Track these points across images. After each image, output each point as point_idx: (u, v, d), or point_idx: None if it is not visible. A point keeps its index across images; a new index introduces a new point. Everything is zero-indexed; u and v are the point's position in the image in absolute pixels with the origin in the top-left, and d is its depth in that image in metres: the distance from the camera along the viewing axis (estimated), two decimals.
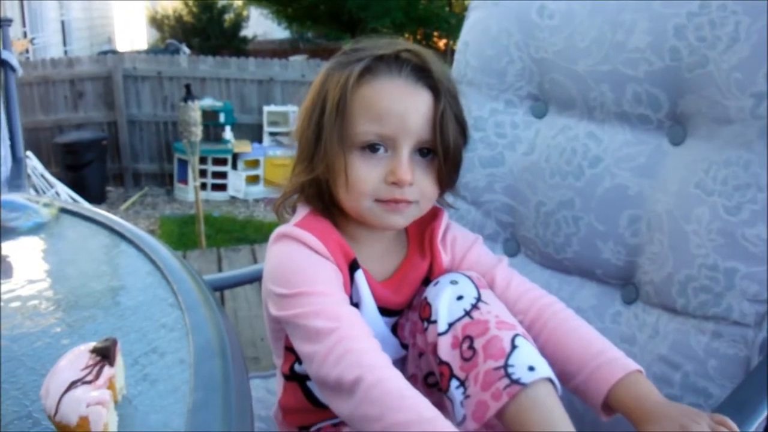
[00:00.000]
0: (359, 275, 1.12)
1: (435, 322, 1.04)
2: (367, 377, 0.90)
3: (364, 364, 0.92)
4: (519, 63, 1.49)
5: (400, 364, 1.20)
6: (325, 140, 1.06)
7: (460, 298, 1.05)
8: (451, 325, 1.03)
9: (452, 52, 1.64)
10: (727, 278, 1.14)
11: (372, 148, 1.06)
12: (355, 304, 1.11)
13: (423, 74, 1.06)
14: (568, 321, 1.10)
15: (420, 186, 1.08)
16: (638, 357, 1.23)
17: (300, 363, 1.13)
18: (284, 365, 1.19)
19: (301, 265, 1.06)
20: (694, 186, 1.20)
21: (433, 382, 1.14)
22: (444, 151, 1.07)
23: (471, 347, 0.99)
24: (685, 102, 1.25)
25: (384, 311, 1.16)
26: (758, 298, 1.12)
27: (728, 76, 1.17)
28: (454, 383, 1.00)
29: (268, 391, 1.44)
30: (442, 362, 1.02)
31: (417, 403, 0.89)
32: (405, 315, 1.18)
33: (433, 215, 1.19)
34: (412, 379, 1.16)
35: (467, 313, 1.03)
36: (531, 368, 0.94)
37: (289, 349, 1.15)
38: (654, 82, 1.28)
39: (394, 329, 1.18)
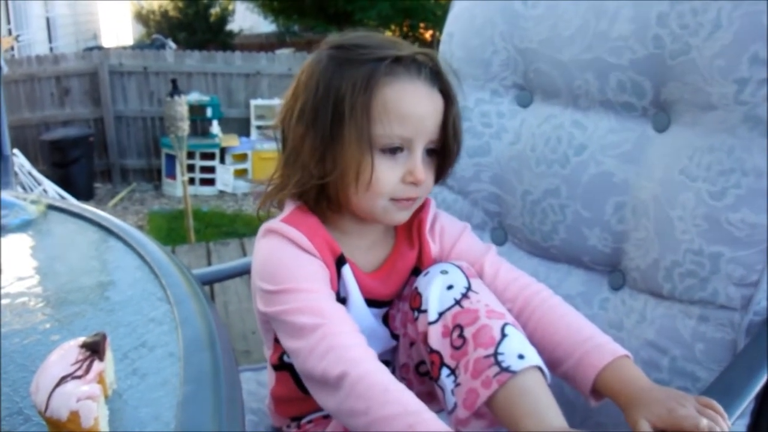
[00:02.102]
0: (346, 270, 1.12)
1: (425, 311, 1.05)
2: (351, 372, 0.91)
3: (348, 359, 0.93)
4: (504, 53, 1.50)
5: (391, 354, 1.21)
6: (346, 142, 1.04)
7: (450, 287, 1.06)
8: (441, 314, 1.03)
9: (439, 43, 1.65)
10: (713, 263, 1.15)
11: (393, 149, 1.06)
12: (343, 299, 1.12)
13: (437, 77, 1.09)
14: (556, 308, 1.11)
15: (426, 182, 1.10)
16: (626, 342, 1.24)
17: None
18: (273, 356, 1.19)
19: (286, 261, 1.07)
20: (679, 172, 1.20)
21: (424, 371, 1.14)
22: (449, 150, 1.12)
23: (461, 336, 1.00)
24: (669, 89, 1.25)
25: (373, 302, 1.16)
26: (744, 281, 1.13)
27: (711, 63, 1.18)
28: (445, 371, 1.01)
29: (259, 384, 1.44)
30: (432, 351, 1.03)
31: (402, 397, 0.89)
32: (395, 305, 1.19)
33: (421, 205, 1.20)
34: (403, 368, 1.17)
35: (457, 302, 1.03)
36: (521, 356, 0.95)
37: (279, 341, 1.15)
38: (638, 69, 1.29)
39: (385, 320, 1.19)
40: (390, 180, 1.07)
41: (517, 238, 1.48)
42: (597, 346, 1.03)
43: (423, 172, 1.07)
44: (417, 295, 1.08)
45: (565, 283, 1.39)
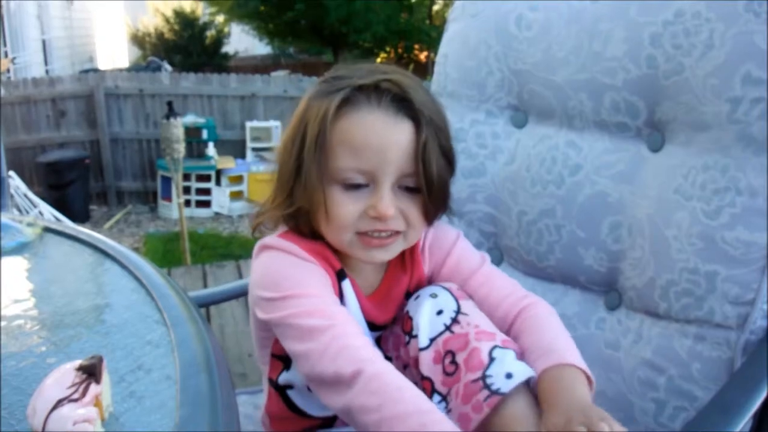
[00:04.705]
0: (346, 285, 1.12)
1: (416, 336, 1.05)
2: (367, 369, 0.91)
3: (363, 358, 0.93)
4: (498, 74, 1.50)
5: None
6: (305, 175, 1.04)
7: (440, 312, 1.05)
8: (432, 340, 1.04)
9: (433, 64, 1.65)
10: (709, 281, 1.15)
11: (353, 184, 1.03)
12: None
13: (403, 104, 1.02)
14: (539, 318, 1.10)
15: (406, 217, 1.06)
16: (622, 362, 1.24)
17: (287, 370, 1.14)
18: (272, 372, 1.18)
19: (289, 269, 1.06)
20: (674, 191, 1.21)
21: None
22: (428, 184, 1.04)
23: (453, 362, 1.00)
24: (663, 109, 1.26)
25: (370, 326, 1.16)
26: (740, 300, 1.13)
27: (704, 83, 1.18)
28: (436, 398, 1.01)
29: (255, 407, 1.43)
30: (424, 378, 1.03)
31: (415, 395, 0.89)
32: (388, 328, 1.19)
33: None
34: None
35: (447, 328, 1.03)
36: (509, 375, 0.95)
37: (276, 357, 1.15)
38: (631, 89, 1.30)
39: (378, 342, 1.19)
40: (349, 214, 1.03)
41: (512, 259, 1.48)
42: (552, 351, 1.00)
43: (389, 207, 1.02)
44: (408, 319, 1.08)
45: (561, 303, 1.39)
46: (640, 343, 1.24)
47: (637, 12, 1.29)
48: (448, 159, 1.08)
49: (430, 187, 1.04)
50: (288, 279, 1.04)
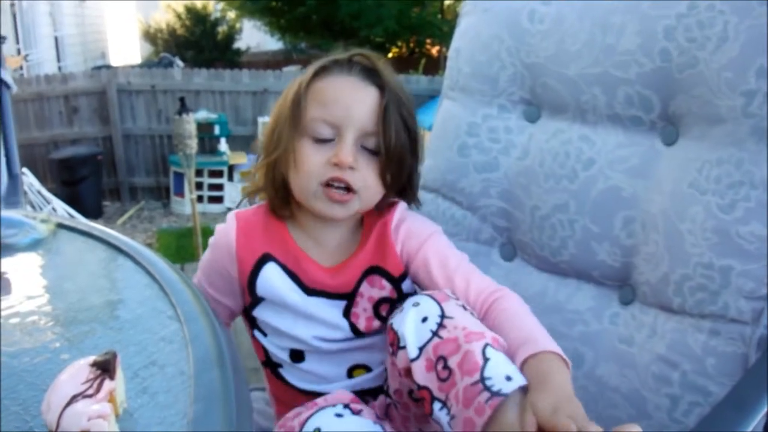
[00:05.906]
0: (269, 268, 1.21)
1: (404, 347, 1.05)
2: None
3: None
4: (510, 68, 1.50)
5: (383, 379, 1.23)
6: (280, 128, 1.19)
7: (424, 319, 1.05)
8: (421, 349, 1.03)
9: (445, 59, 1.65)
10: (723, 276, 1.14)
11: (321, 138, 1.16)
12: (261, 298, 1.22)
13: (371, 74, 1.19)
14: (509, 311, 1.13)
15: (363, 174, 1.16)
16: (636, 357, 1.24)
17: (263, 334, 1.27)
18: (259, 354, 1.30)
19: (207, 264, 1.28)
20: (688, 185, 1.20)
21: (417, 397, 1.14)
22: (386, 144, 1.16)
23: (446, 367, 1.00)
24: (677, 102, 1.26)
25: (328, 294, 1.22)
26: (754, 295, 1.12)
27: (718, 76, 1.18)
28: (437, 405, 1.00)
29: (267, 403, 1.44)
30: (420, 387, 1.03)
31: None
32: (358, 304, 1.23)
33: (388, 207, 1.26)
34: (396, 393, 1.16)
35: (435, 334, 1.03)
36: (508, 378, 0.95)
37: (253, 337, 1.29)
38: (645, 83, 1.29)
39: (347, 313, 1.24)
40: (315, 161, 1.16)
41: (526, 254, 1.48)
42: (527, 342, 1.04)
43: (349, 155, 1.14)
44: (392, 332, 1.09)
45: (575, 298, 1.38)
46: (654, 338, 1.23)
47: (650, 5, 1.29)
48: (409, 130, 1.20)
49: (387, 150, 1.16)
50: (202, 269, 1.29)
